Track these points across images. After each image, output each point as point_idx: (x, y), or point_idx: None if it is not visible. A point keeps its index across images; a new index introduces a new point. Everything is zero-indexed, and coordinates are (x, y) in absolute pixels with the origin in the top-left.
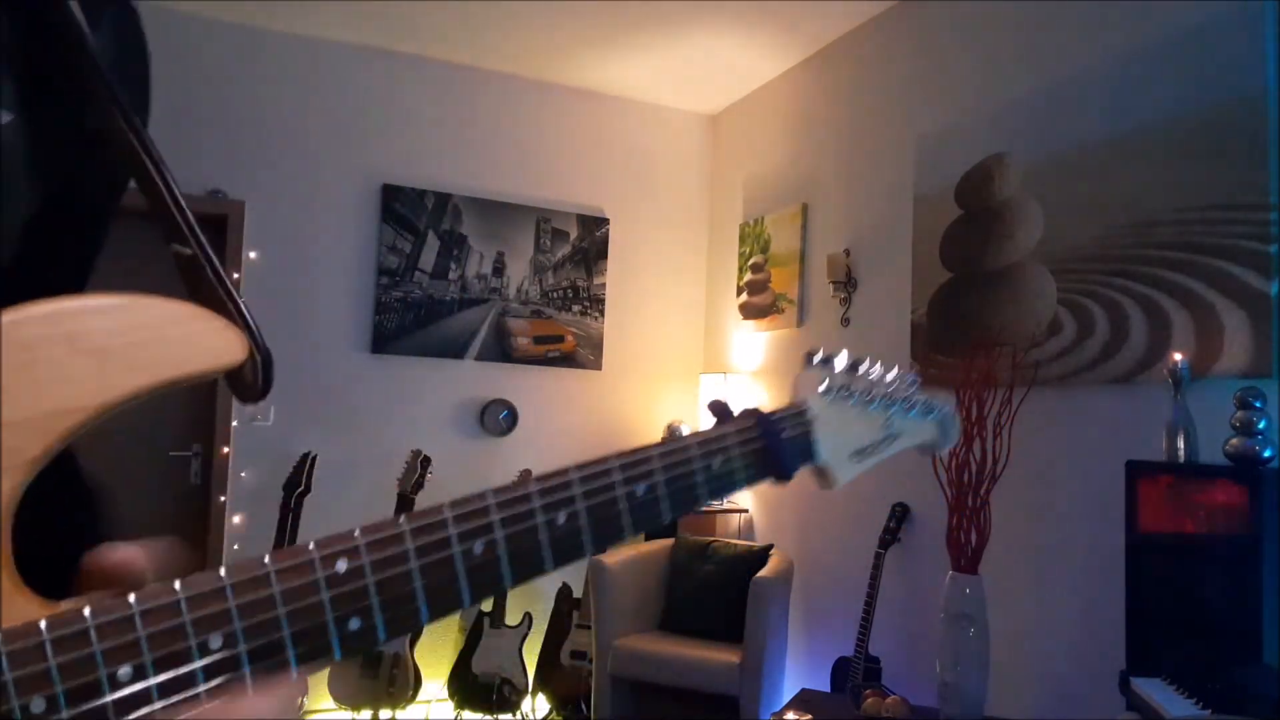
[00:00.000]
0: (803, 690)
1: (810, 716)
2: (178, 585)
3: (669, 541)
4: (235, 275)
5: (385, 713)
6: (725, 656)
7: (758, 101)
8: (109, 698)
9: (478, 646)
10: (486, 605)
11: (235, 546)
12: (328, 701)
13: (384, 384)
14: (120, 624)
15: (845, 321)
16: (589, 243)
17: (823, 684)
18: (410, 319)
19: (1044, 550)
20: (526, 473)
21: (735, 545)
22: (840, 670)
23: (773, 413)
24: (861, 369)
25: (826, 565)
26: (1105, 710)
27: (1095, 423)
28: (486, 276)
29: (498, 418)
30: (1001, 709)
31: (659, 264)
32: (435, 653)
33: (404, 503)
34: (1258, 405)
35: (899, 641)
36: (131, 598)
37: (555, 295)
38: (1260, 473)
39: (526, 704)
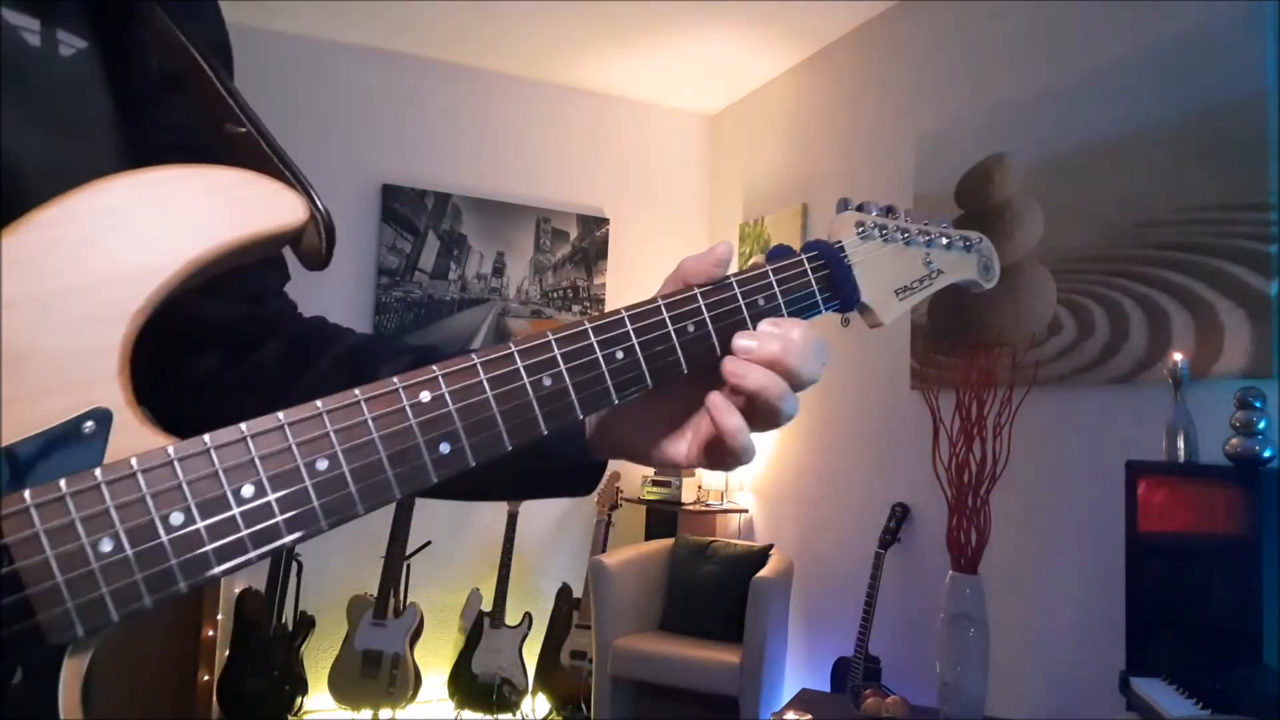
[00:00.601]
0: (803, 690)
1: (810, 716)
2: (280, 415)
3: (669, 541)
4: None
5: (385, 713)
6: (725, 656)
7: (758, 101)
8: (235, 510)
9: (478, 646)
10: (487, 605)
11: None
12: (328, 701)
13: None
14: (233, 446)
15: (845, 321)
16: (589, 243)
17: (823, 684)
18: (410, 319)
19: (1044, 550)
20: None
21: (735, 545)
22: (840, 670)
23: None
24: (896, 211)
25: (826, 565)
26: (1105, 710)
27: (1095, 423)
28: (486, 276)
29: None
30: (1001, 709)
31: (659, 264)
32: (435, 653)
33: (404, 503)
34: (1258, 405)
35: (899, 641)
36: (243, 426)
37: (555, 295)
38: (1260, 473)
39: (526, 704)
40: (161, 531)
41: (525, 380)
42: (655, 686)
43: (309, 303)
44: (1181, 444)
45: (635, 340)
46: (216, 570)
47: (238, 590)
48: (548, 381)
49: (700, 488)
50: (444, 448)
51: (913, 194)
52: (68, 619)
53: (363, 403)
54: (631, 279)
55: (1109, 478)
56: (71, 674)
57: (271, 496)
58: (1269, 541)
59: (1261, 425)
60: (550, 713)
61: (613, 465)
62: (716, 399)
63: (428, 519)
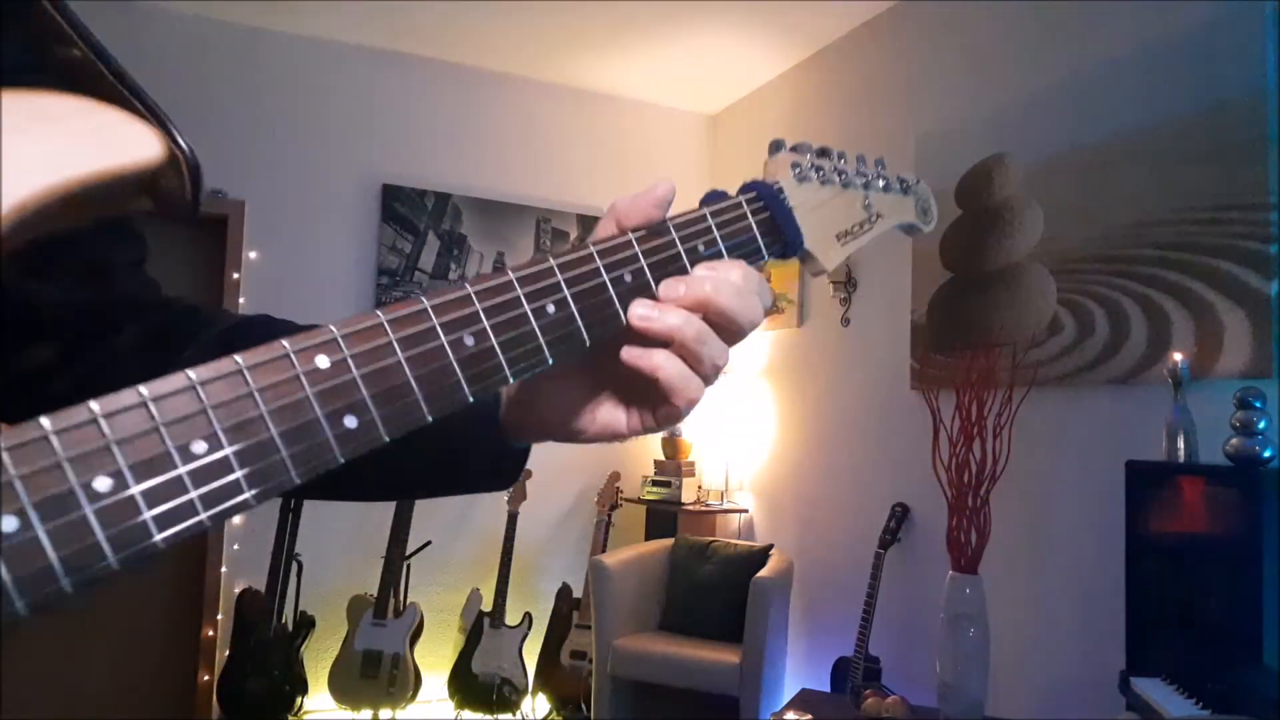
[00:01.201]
0: (803, 690)
1: (810, 716)
2: (143, 390)
3: (669, 541)
4: (235, 275)
5: (385, 713)
6: (725, 656)
7: (758, 101)
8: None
9: (478, 646)
10: (487, 605)
11: (235, 546)
12: (328, 701)
13: None
14: (80, 430)
15: (845, 321)
16: None
17: (823, 684)
18: None
19: (1044, 550)
20: (526, 472)
21: (735, 545)
22: (840, 670)
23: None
24: (831, 154)
25: (826, 565)
26: (1105, 710)
27: (1095, 423)
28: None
29: None
30: (1001, 709)
31: None
32: (435, 653)
33: (404, 505)
34: (1258, 405)
35: (899, 641)
36: (94, 404)
37: None
38: (1260, 473)
39: (526, 704)
40: (83, 501)
41: (443, 339)
42: (655, 686)
43: (308, 304)
44: (1181, 444)
45: (567, 292)
46: (157, 539)
47: (238, 590)
48: (469, 340)
49: (700, 488)
50: (349, 421)
51: None
52: None
53: (244, 372)
54: None
55: (1109, 478)
56: None
57: (135, 489)
58: (1269, 541)
59: (1261, 425)
60: (550, 713)
61: (613, 465)
62: (630, 349)
63: (428, 519)
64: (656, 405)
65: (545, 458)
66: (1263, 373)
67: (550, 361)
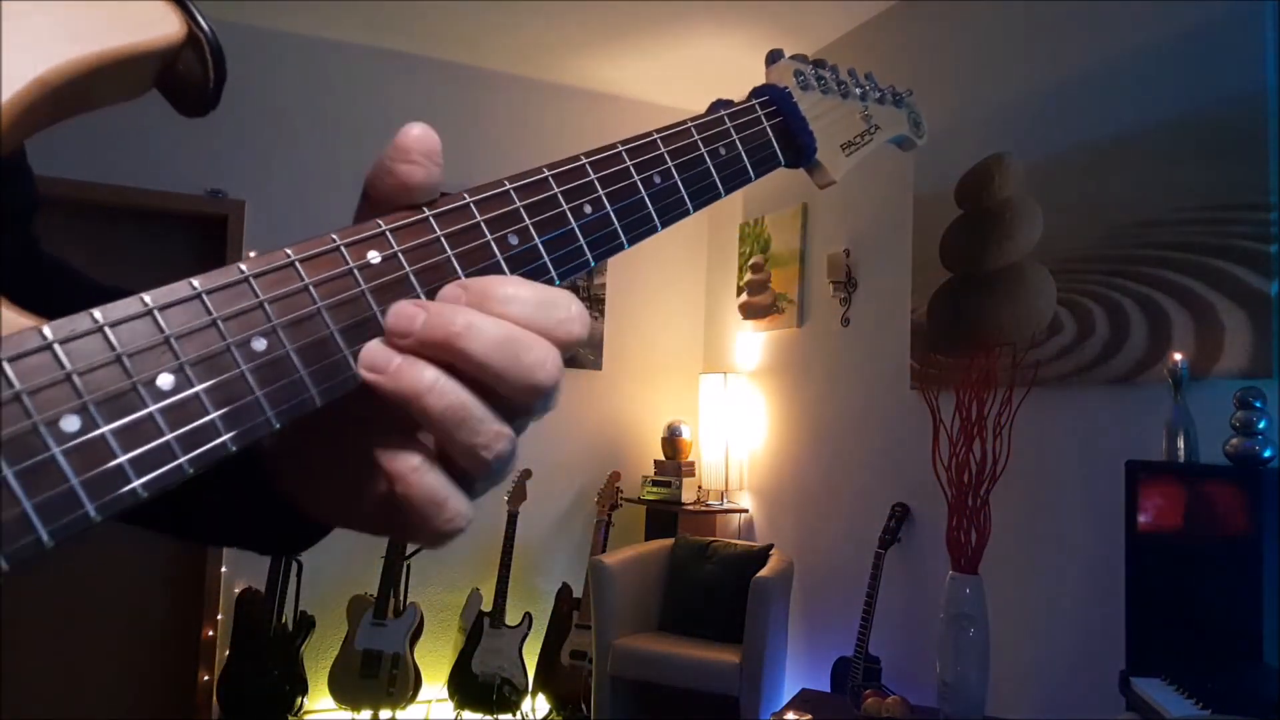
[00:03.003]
0: (803, 690)
1: (810, 716)
2: (195, 281)
3: (669, 541)
4: None
5: (385, 713)
6: (725, 656)
7: None
8: (151, 407)
9: (478, 646)
10: (487, 605)
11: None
12: (328, 701)
13: None
14: (141, 324)
15: (845, 321)
16: None
17: (823, 684)
18: None
19: (1044, 550)
20: (526, 472)
21: (735, 545)
22: (840, 670)
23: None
24: (826, 64)
25: (826, 565)
26: (1105, 710)
27: (1095, 423)
28: None
29: None
30: (1001, 709)
31: (659, 264)
32: (435, 653)
33: None
34: (1258, 405)
35: (899, 641)
36: (146, 297)
37: None
38: (1260, 473)
39: (526, 704)
40: (51, 442)
41: (489, 237)
42: (655, 686)
43: None
44: (1181, 444)
45: (601, 191)
46: (136, 484)
47: (238, 590)
48: (514, 240)
49: (700, 488)
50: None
51: (913, 194)
52: None
53: (296, 264)
54: (631, 279)
55: (1109, 478)
56: None
57: (199, 387)
58: (1269, 541)
59: (1261, 425)
60: (550, 713)
61: (613, 465)
62: (380, 445)
63: None
64: (389, 509)
65: (545, 457)
66: (1263, 373)
67: (592, 264)
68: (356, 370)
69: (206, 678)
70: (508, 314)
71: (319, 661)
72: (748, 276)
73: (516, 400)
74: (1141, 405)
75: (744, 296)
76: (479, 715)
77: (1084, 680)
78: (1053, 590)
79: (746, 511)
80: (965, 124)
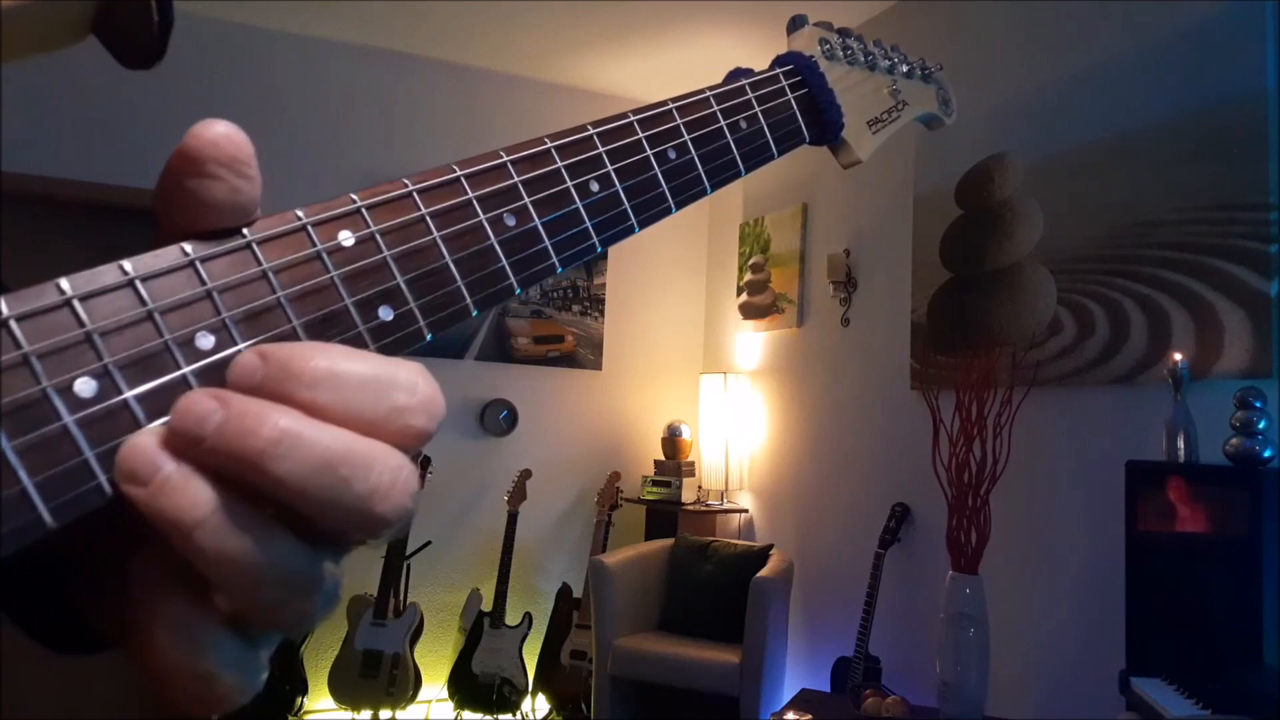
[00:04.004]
0: (803, 690)
1: (810, 716)
2: (127, 265)
3: (669, 541)
4: None
5: (385, 713)
6: (725, 656)
7: None
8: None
9: (478, 646)
10: (487, 605)
11: None
12: (328, 701)
13: None
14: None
15: (845, 321)
16: None
17: (823, 684)
18: None
19: (1044, 550)
20: (526, 472)
21: (735, 545)
22: (840, 670)
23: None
24: (852, 34)
25: (826, 565)
26: (1105, 710)
27: (1095, 423)
28: None
29: (498, 418)
30: (1001, 709)
31: (659, 264)
32: (435, 653)
33: None
34: (1258, 405)
35: (899, 641)
36: (125, 264)
37: (555, 295)
38: (1260, 473)
39: (526, 704)
40: (63, 410)
41: (482, 217)
42: (655, 686)
43: None
44: (1181, 444)
45: (611, 168)
46: None
47: None
48: (510, 220)
49: (700, 488)
50: (384, 312)
51: (913, 194)
52: None
53: (254, 247)
54: (631, 279)
55: (1109, 478)
56: None
57: (130, 394)
58: (1269, 541)
59: (1261, 425)
60: (550, 713)
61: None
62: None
63: (428, 519)
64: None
65: (544, 457)
66: (1263, 373)
67: (599, 249)
68: (100, 478)
69: None
70: (326, 407)
71: (319, 661)
72: (748, 276)
73: (340, 537)
74: (1141, 405)
75: (744, 296)
76: (479, 715)
77: (1084, 680)
78: (1053, 590)
79: (746, 511)
80: (965, 124)
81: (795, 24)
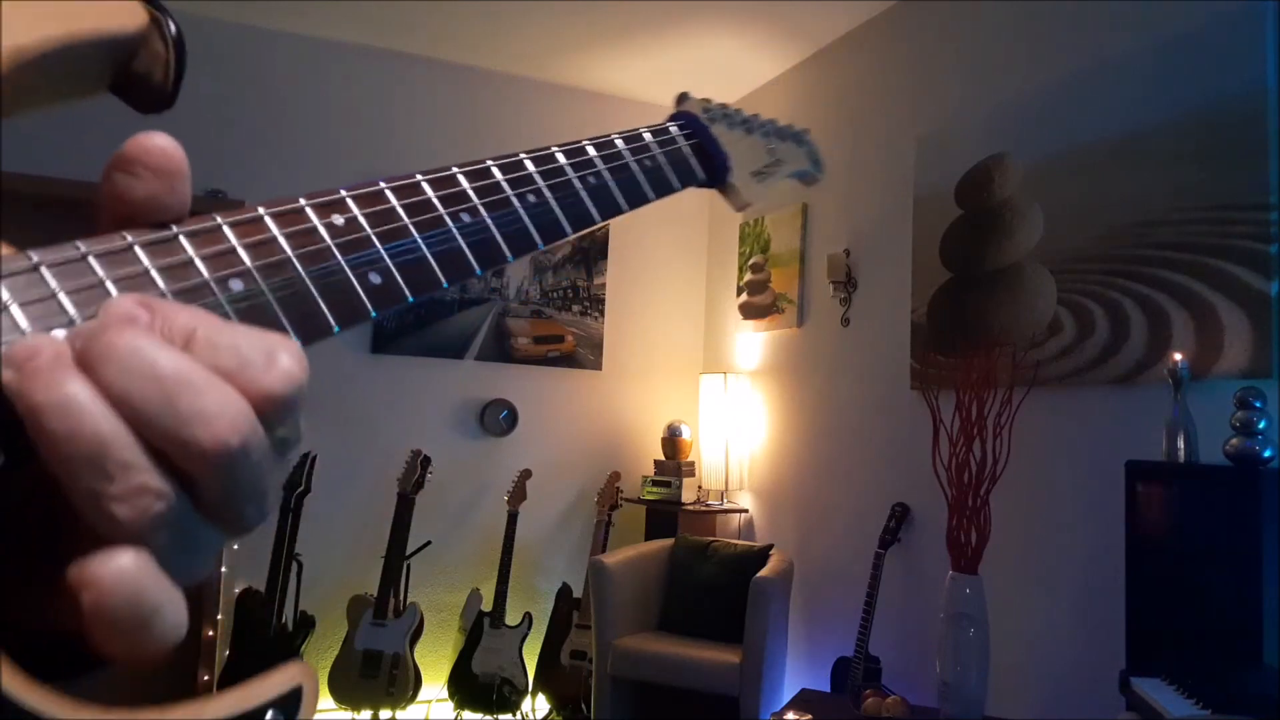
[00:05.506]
0: (803, 690)
1: (810, 716)
2: (174, 226)
3: (669, 541)
4: None
5: (385, 713)
6: (725, 656)
7: (758, 101)
8: None
9: (478, 646)
10: (487, 605)
11: (235, 546)
12: (328, 701)
13: (384, 384)
14: (119, 254)
15: (845, 321)
16: (589, 243)
17: (823, 684)
18: (410, 319)
19: (1044, 550)
20: (526, 472)
21: (735, 545)
22: (840, 670)
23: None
24: (729, 107)
25: (826, 565)
26: (1105, 710)
27: (1095, 423)
28: (486, 277)
29: (498, 418)
30: (1001, 709)
31: (659, 264)
32: (435, 653)
33: (404, 503)
34: (1258, 405)
35: (899, 641)
36: (127, 235)
37: (555, 295)
38: (1260, 473)
39: (526, 704)
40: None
41: (441, 211)
42: (655, 686)
43: None
44: (1181, 444)
45: (542, 184)
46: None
47: (238, 590)
48: (466, 217)
49: (700, 488)
50: (374, 278)
51: (913, 194)
52: None
53: (266, 217)
54: (631, 279)
55: (1109, 478)
56: None
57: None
58: (1269, 541)
59: (1261, 425)
60: (550, 713)
61: (613, 465)
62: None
63: (428, 519)
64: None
65: (544, 457)
66: (1263, 373)
67: (540, 245)
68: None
69: (206, 678)
70: (188, 344)
71: (319, 661)
72: (748, 276)
73: (180, 465)
74: (1141, 405)
75: (744, 296)
76: (479, 715)
77: (1084, 680)
78: (1053, 590)
79: (746, 511)
80: (965, 124)
81: (682, 99)
